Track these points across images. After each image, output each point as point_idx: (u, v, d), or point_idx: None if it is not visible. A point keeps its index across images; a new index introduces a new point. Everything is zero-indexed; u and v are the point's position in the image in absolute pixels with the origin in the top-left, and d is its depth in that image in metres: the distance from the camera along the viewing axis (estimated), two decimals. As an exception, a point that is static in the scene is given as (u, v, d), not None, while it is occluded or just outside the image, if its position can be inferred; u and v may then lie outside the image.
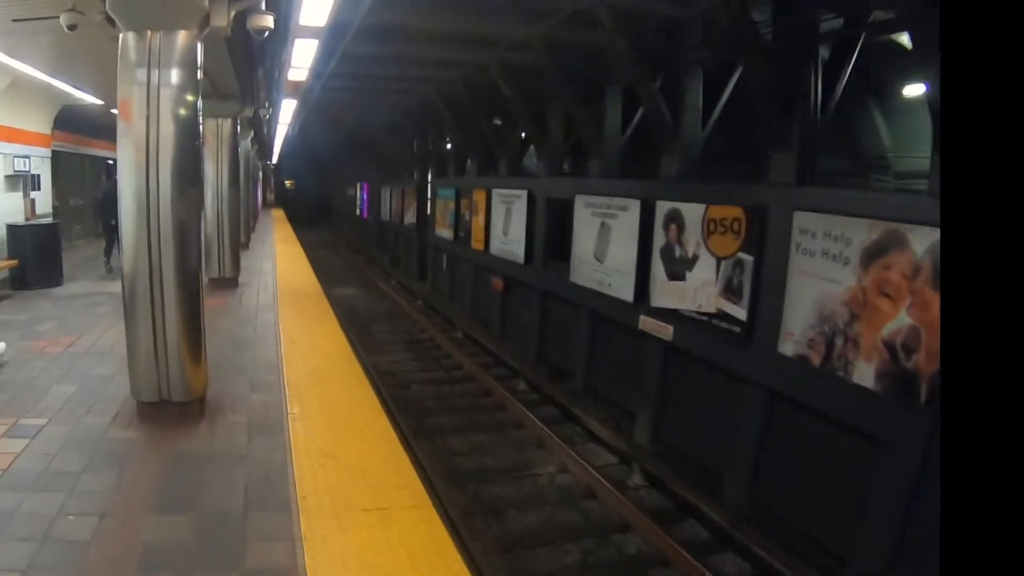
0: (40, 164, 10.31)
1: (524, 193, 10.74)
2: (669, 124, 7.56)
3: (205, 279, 8.61)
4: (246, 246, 14.19)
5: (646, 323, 7.82)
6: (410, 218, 18.53)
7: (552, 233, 10.30)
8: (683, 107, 7.51)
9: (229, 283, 8.52)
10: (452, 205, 14.33)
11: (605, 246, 8.56)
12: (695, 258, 6.93)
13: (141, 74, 3.58)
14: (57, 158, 11.83)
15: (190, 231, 3.83)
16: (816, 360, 5.26)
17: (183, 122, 3.62)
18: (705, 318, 6.75)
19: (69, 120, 11.71)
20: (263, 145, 23.17)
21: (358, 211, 29.31)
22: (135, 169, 3.60)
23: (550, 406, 8.88)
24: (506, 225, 11.46)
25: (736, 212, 6.20)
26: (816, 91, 5.61)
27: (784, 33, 5.72)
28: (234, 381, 4.73)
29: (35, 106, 9.82)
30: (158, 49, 3.60)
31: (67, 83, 8.41)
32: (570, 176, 10.76)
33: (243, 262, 11.46)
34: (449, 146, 15.50)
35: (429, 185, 16.57)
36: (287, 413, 4.23)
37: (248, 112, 8.43)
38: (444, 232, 15.00)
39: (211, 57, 6.20)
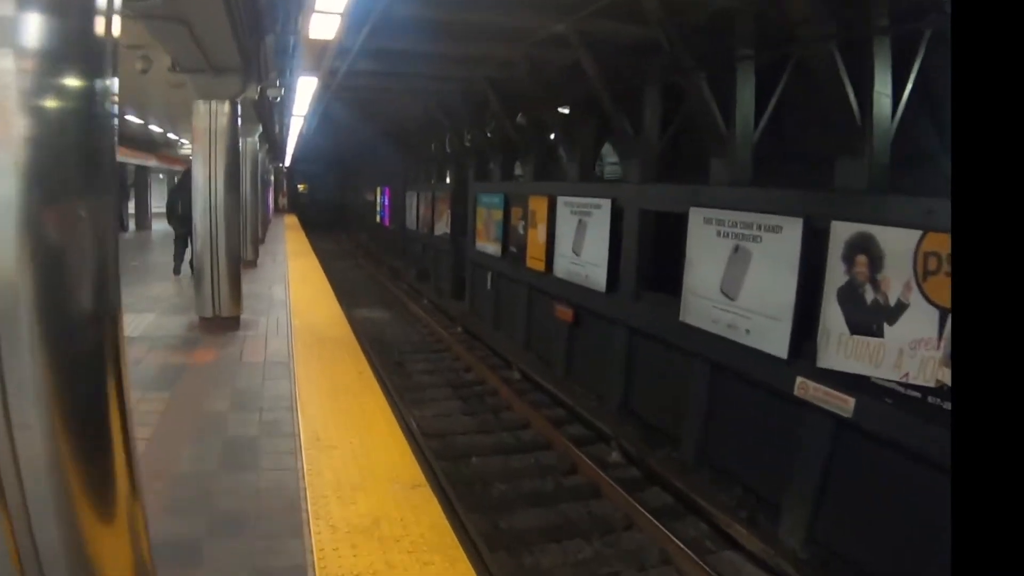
0: None
1: (606, 203, 8.55)
2: (857, 116, 5.37)
3: (196, 318, 6.55)
4: (254, 263, 12.10)
5: (807, 389, 5.69)
6: (443, 228, 16.39)
7: (647, 255, 8.11)
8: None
9: (227, 325, 6.37)
10: (499, 215, 12.18)
11: (739, 278, 6.38)
12: (901, 306, 4.90)
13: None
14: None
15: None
16: None
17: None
18: (917, 393, 4.73)
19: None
20: (274, 145, 21.16)
21: (378, 217, 27.26)
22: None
23: (657, 487, 6.70)
24: (578, 242, 9.27)
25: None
26: None
27: None
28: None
29: None
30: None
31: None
32: (677, 184, 8.31)
33: (249, 286, 9.38)
34: (490, 144, 13.30)
35: (468, 190, 14.38)
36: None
37: (252, 92, 6.27)
38: (488, 246, 12.84)
39: (200, 13, 4.10)
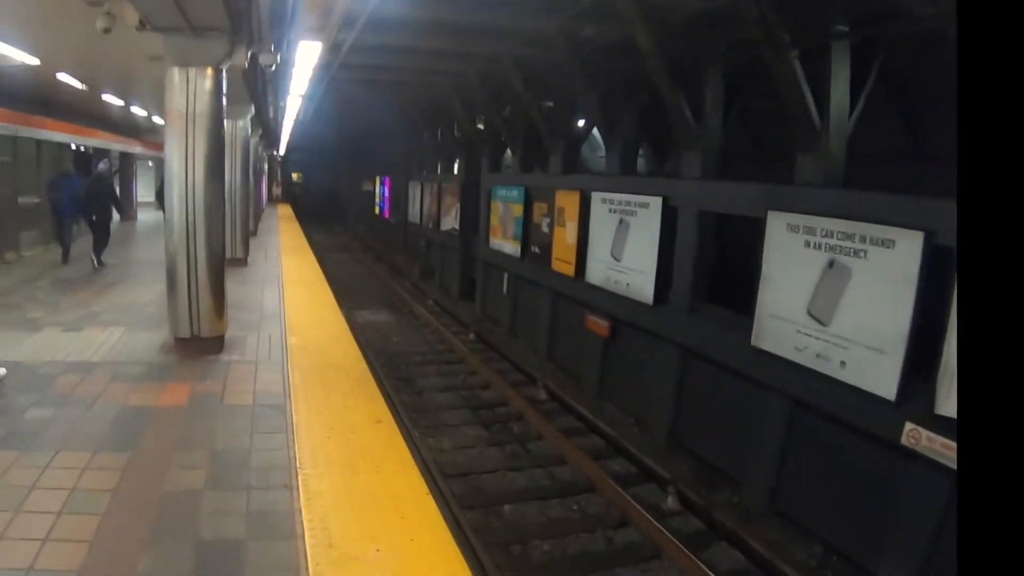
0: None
1: (656, 202, 7.42)
2: None
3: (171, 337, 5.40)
4: (244, 261, 10.93)
5: (919, 438, 4.73)
6: (450, 222, 15.22)
7: (707, 264, 7.00)
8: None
9: (207, 347, 5.18)
10: (518, 210, 11.04)
11: (834, 299, 5.29)
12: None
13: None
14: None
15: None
16: None
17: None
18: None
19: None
20: (268, 130, 19.89)
21: (377, 209, 26.03)
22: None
23: (723, 543, 5.62)
24: (617, 245, 8.15)
25: None
26: None
27: None
28: None
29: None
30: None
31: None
32: (751, 182, 6.97)
33: (238, 290, 8.27)
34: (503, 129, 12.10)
35: (482, 182, 13.20)
36: None
37: (241, 59, 5.05)
38: (504, 245, 11.70)
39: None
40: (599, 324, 8.63)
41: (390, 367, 9.81)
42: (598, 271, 8.59)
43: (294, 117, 18.95)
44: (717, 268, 7.39)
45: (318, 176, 39.19)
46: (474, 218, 14.33)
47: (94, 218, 9.56)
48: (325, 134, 26.55)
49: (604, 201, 8.43)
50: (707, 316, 6.83)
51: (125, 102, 15.61)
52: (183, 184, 4.99)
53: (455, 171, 15.17)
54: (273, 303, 8.01)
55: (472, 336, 11.65)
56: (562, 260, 9.50)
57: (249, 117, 10.60)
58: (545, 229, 9.99)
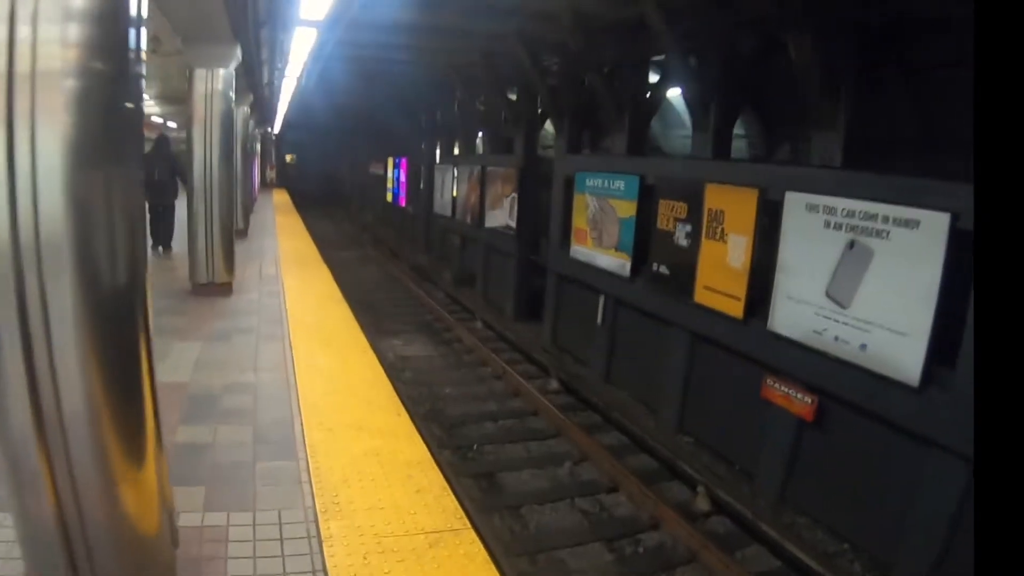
0: None
1: (933, 220, 4.33)
2: None
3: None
4: (228, 288, 7.86)
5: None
6: (501, 217, 12.11)
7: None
8: None
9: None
10: (626, 209, 8.02)
11: None
12: None
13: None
14: None
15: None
16: None
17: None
18: None
19: None
20: (261, 102, 16.71)
21: (390, 196, 22.85)
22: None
23: None
24: (843, 282, 5.12)
25: None
26: None
27: None
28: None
29: None
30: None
31: None
32: None
33: (217, 353, 5.30)
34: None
35: (557, 166, 10.09)
36: None
37: None
38: (598, 256, 8.67)
39: None
40: (793, 399, 5.61)
41: (455, 449, 6.82)
42: (797, 317, 5.54)
43: (293, 86, 15.73)
44: None
45: (315, 157, 35.94)
46: (537, 215, 11.27)
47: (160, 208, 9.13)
48: (326, 108, 23.15)
49: (815, 209, 5.35)
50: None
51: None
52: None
53: (515, 151, 11.93)
54: (279, 377, 5.00)
55: (555, 385, 8.64)
56: (716, 291, 6.46)
57: (233, 66, 7.36)
58: (682, 241, 6.93)
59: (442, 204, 15.87)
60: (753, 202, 5.97)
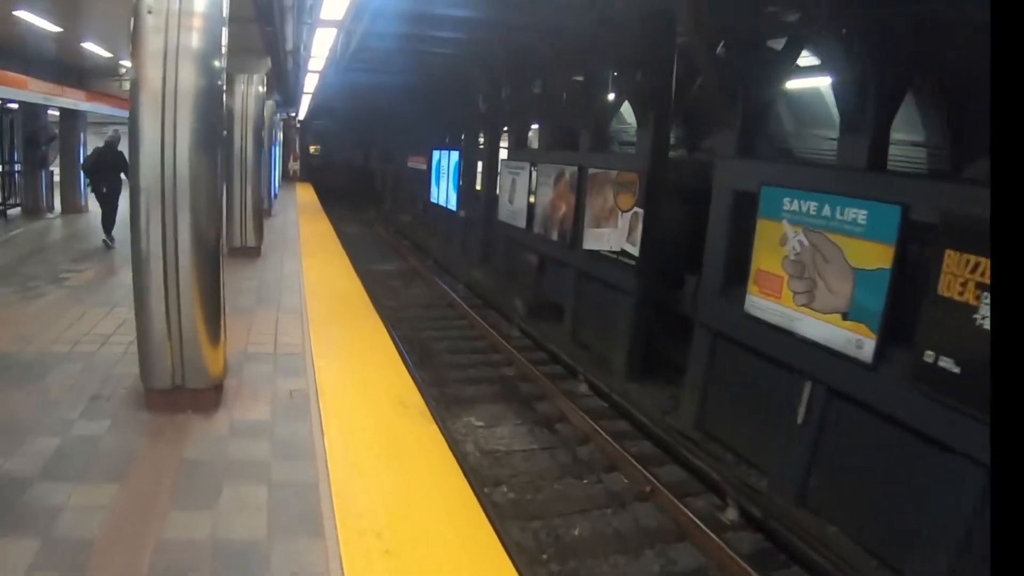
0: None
1: None
2: None
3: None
4: (216, 397, 4.98)
5: None
6: (612, 239, 9.15)
7: None
8: None
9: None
10: (878, 257, 5.04)
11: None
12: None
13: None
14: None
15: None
16: None
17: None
18: None
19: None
20: (284, 82, 13.85)
21: (435, 195, 19.96)
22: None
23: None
24: None
25: None
26: None
27: None
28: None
29: None
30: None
31: None
32: None
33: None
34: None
35: (719, 170, 7.09)
36: None
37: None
38: (810, 322, 5.75)
39: None
40: None
41: None
42: None
43: (322, 65, 12.84)
44: None
45: (341, 147, 33.27)
46: (660, 235, 8.32)
47: (104, 189, 9.42)
48: (361, 87, 20.22)
49: None
50: None
51: (64, 29, 10.01)
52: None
53: (649, 149, 8.84)
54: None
55: (735, 515, 5.68)
56: None
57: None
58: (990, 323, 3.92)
59: (511, 211, 12.93)
60: None
